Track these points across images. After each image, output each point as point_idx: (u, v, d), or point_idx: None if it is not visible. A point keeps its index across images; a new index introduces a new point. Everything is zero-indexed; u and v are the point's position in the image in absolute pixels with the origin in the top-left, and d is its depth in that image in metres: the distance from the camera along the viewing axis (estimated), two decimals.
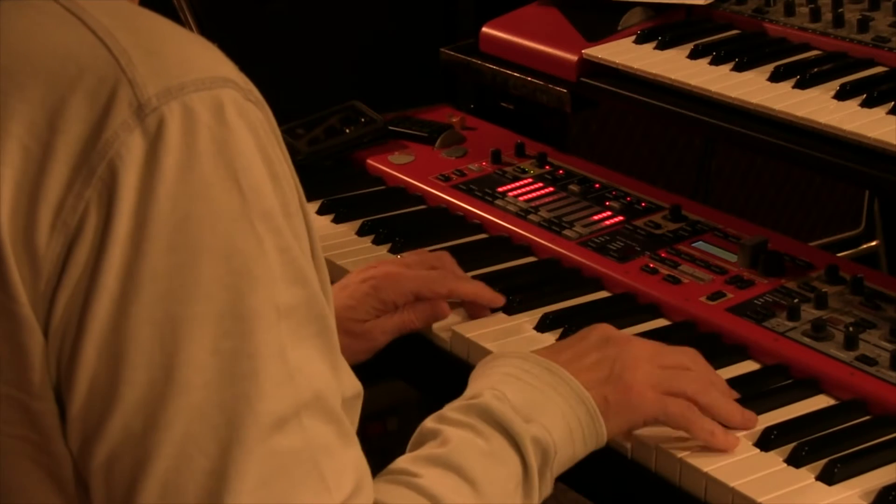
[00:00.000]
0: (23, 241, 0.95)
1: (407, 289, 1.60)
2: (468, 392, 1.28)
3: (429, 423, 1.23)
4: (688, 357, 1.39)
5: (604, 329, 1.39)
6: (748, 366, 1.51)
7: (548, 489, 1.24)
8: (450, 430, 1.20)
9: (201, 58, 1.00)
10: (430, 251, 1.72)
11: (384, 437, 2.62)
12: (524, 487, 1.20)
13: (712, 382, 1.38)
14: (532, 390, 1.27)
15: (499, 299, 1.64)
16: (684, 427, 1.34)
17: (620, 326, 1.45)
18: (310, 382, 1.01)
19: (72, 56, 0.97)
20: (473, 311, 1.63)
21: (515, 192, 1.92)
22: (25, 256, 0.95)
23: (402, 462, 1.17)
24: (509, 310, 1.63)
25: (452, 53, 2.15)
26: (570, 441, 1.26)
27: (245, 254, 0.98)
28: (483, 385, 1.27)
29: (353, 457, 1.05)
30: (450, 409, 1.24)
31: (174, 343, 0.96)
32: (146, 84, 0.96)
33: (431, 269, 1.64)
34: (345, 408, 1.07)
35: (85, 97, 0.96)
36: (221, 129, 0.97)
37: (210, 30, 2.30)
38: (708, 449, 1.34)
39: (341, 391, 1.07)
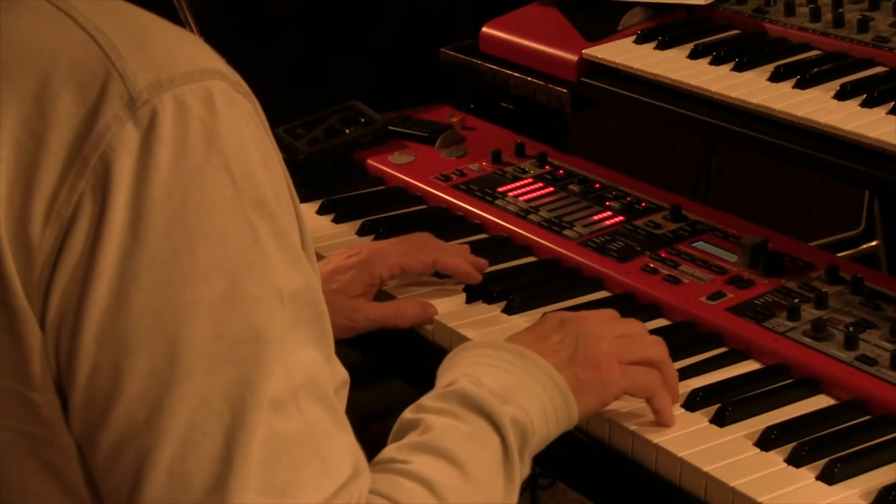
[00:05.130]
0: (18, 232, 0.96)
1: (393, 262, 1.64)
2: (441, 381, 1.29)
3: (408, 413, 1.23)
4: (634, 325, 1.44)
5: (558, 313, 1.42)
6: (748, 366, 1.51)
7: (526, 470, 1.26)
8: (431, 417, 1.21)
9: (189, 51, 1.01)
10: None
11: (384, 437, 2.62)
12: (506, 468, 1.21)
13: (662, 344, 1.42)
14: (506, 374, 1.28)
15: (476, 277, 1.66)
16: (649, 395, 1.38)
17: None
18: (302, 367, 1.02)
19: (62, 52, 0.98)
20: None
21: (515, 192, 1.92)
22: (20, 248, 0.96)
23: (388, 452, 1.17)
24: (509, 310, 1.63)
25: (452, 53, 2.15)
26: (545, 422, 1.28)
27: (240, 240, 0.99)
28: (457, 373, 1.28)
29: (349, 442, 1.06)
30: (428, 399, 1.25)
31: (175, 330, 0.96)
32: (136, 77, 0.97)
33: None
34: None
35: (77, 91, 0.97)
36: (212, 120, 0.98)
37: (210, 30, 2.30)
38: (707, 449, 1.35)
39: (333, 380, 1.08)
